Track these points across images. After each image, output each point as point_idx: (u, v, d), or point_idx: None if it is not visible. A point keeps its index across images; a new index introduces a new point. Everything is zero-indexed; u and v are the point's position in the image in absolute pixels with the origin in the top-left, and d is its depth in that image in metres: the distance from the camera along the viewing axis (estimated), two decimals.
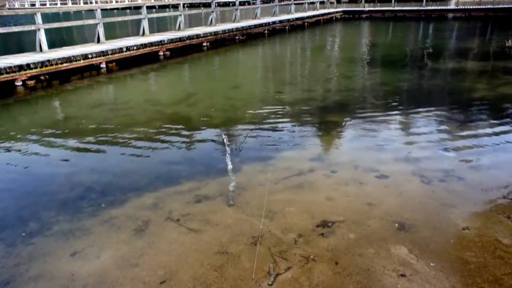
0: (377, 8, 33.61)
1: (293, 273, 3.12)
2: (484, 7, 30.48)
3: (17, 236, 3.74)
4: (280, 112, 7.49)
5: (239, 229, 3.73)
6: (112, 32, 21.85)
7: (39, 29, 12.03)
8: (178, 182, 4.73)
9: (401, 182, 4.61)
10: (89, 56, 11.75)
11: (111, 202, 4.30)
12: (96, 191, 4.57)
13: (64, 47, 13.18)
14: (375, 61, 13.34)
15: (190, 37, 16.04)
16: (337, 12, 31.92)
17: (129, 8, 51.55)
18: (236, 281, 3.05)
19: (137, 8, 37.04)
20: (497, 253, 3.32)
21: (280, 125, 6.74)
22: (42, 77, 10.58)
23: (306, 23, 26.25)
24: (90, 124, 7.03)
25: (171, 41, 14.98)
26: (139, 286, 3.06)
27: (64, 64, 11.05)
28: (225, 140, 5.99)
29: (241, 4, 25.51)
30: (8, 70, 9.74)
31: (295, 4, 28.61)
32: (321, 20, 28.57)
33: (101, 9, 14.49)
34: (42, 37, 12.08)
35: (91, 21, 14.30)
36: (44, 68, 10.51)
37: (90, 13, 29.45)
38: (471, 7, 31.01)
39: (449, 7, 32.59)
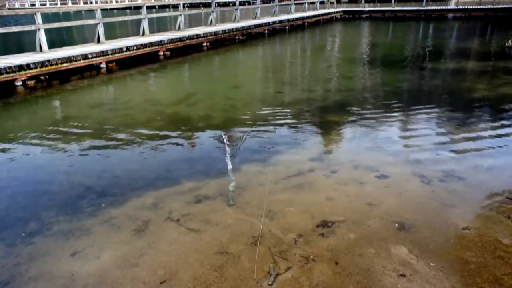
0: (377, 8, 33.61)
1: (293, 273, 3.12)
2: (484, 7, 30.48)
3: (17, 236, 3.74)
4: (280, 112, 7.49)
5: (239, 229, 3.73)
6: (112, 32, 21.86)
7: (39, 29, 12.03)
8: (178, 182, 4.73)
9: (401, 182, 4.61)
10: (89, 56, 11.75)
11: (111, 202, 4.30)
12: (96, 191, 4.57)
13: (64, 47, 13.18)
14: (375, 61, 13.34)
15: (190, 37, 16.04)
16: (337, 12, 31.92)
17: (129, 8, 51.55)
18: (236, 281, 3.05)
19: (137, 8, 37.05)
20: (497, 253, 3.32)
21: (280, 125, 6.74)
22: (42, 77, 10.58)
23: (306, 23, 26.25)
24: (90, 124, 7.03)
25: (171, 41, 14.98)
26: (139, 286, 3.06)
27: (64, 64, 11.06)
28: (225, 140, 5.99)
29: (241, 4, 25.52)
30: (8, 70, 9.75)
31: (295, 4, 28.61)
32: (321, 20, 28.57)
33: (101, 9, 14.49)
34: (42, 37, 12.08)
35: (91, 21, 14.29)
36: (44, 68, 10.51)
37: (90, 13, 29.47)
38: (471, 7, 31.01)
39: (449, 7, 32.59)
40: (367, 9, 33.12)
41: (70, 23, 14.70)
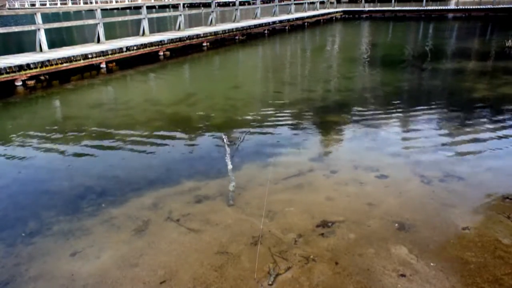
0: (377, 8, 33.61)
1: (293, 273, 3.12)
2: (484, 7, 30.49)
3: (17, 236, 3.74)
4: (280, 112, 7.49)
5: (239, 229, 3.73)
6: (112, 32, 21.86)
7: (39, 29, 12.03)
8: (178, 182, 4.73)
9: (401, 182, 4.61)
10: (89, 56, 11.75)
11: (111, 202, 4.30)
12: (96, 191, 4.57)
13: (64, 47, 13.18)
14: (375, 61, 13.34)
15: (190, 37, 16.04)
16: (337, 12, 31.92)
17: (129, 8, 51.56)
18: (236, 281, 3.05)
19: (137, 8, 37.06)
20: (497, 253, 3.32)
21: (280, 125, 6.74)
22: (42, 77, 10.58)
23: (306, 23, 26.25)
24: (90, 124, 7.03)
25: (171, 41, 14.98)
26: (139, 286, 3.06)
27: (64, 64, 11.06)
28: (225, 140, 5.99)
29: (241, 4, 25.51)
30: (8, 70, 9.74)
31: (295, 4, 28.62)
32: (321, 20, 28.57)
33: (101, 9, 14.49)
34: (42, 37, 12.08)
35: (91, 21, 14.29)
36: (44, 68, 10.51)
37: (90, 13, 29.46)
38: (471, 7, 31.02)
39: (449, 7, 32.59)
40: (367, 9, 33.12)
41: (70, 23, 14.71)
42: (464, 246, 3.42)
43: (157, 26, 25.66)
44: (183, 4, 19.36)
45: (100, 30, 13.89)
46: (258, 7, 24.29)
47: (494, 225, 3.72)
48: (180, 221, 3.89)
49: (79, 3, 58.94)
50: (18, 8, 54.69)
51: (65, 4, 58.85)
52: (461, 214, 3.91)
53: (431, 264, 3.20)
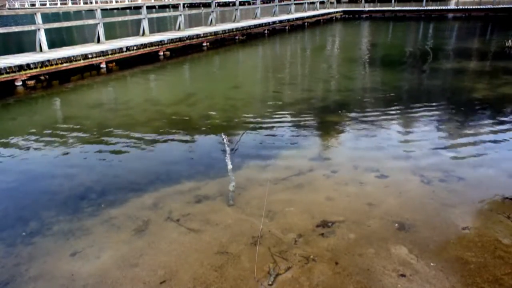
0: (377, 8, 33.61)
1: (293, 273, 3.12)
2: (484, 7, 30.49)
3: (17, 236, 3.74)
4: (280, 112, 7.49)
5: (239, 229, 3.73)
6: (112, 32, 21.86)
7: (39, 29, 12.03)
8: (178, 182, 4.73)
9: (401, 182, 4.61)
10: (89, 56, 11.75)
11: (111, 202, 4.30)
12: (96, 191, 4.57)
13: (64, 47, 13.18)
14: (375, 61, 13.34)
15: (190, 37, 16.04)
16: (337, 12, 31.92)
17: (129, 8, 51.56)
18: (236, 281, 3.05)
19: (137, 8, 37.06)
20: (497, 253, 3.32)
21: (280, 125, 6.74)
22: (42, 77, 10.58)
23: (306, 23, 26.25)
24: (90, 124, 7.03)
25: (171, 41, 14.98)
26: (139, 286, 3.06)
27: (64, 64, 11.06)
28: (225, 140, 5.99)
29: (241, 4, 25.52)
30: (8, 70, 9.74)
31: (295, 4, 28.62)
32: (321, 20, 28.57)
33: (101, 9, 14.49)
34: (42, 37, 12.08)
35: (91, 21, 14.29)
36: (44, 68, 10.51)
37: (90, 13, 29.47)
38: (471, 7, 31.01)
39: (449, 7, 32.59)
40: (367, 9, 33.12)
41: (70, 23, 14.70)
42: (464, 246, 3.42)
43: (157, 26, 25.67)
44: (183, 4, 19.36)
45: (100, 30, 13.89)
46: (258, 7, 24.30)
47: (494, 225, 3.72)
48: (180, 221, 3.89)
49: (79, 3, 58.94)
50: (18, 8, 54.70)
51: (65, 4, 58.86)
52: (461, 214, 3.91)
53: (431, 264, 3.20)
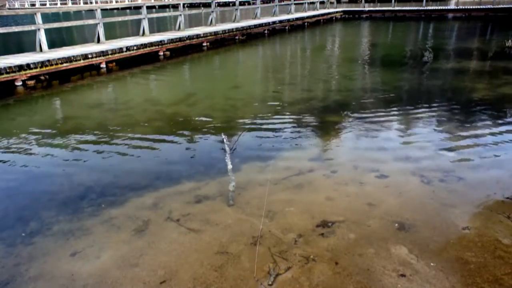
0: (377, 8, 33.61)
1: (293, 273, 3.12)
2: (484, 7, 30.48)
3: (17, 236, 3.74)
4: (280, 112, 7.49)
5: (239, 229, 3.73)
6: (112, 32, 21.86)
7: (39, 29, 12.03)
8: (178, 182, 4.73)
9: (401, 182, 4.61)
10: (89, 56, 11.75)
11: (111, 202, 4.30)
12: (96, 191, 4.57)
13: (64, 47, 13.18)
14: (375, 61, 13.34)
15: (190, 37, 16.04)
16: (337, 12, 31.92)
17: (129, 8, 51.56)
18: (236, 281, 3.05)
19: (137, 8, 37.06)
20: (497, 253, 3.32)
21: (280, 125, 6.74)
22: (42, 77, 10.58)
23: (306, 23, 26.25)
24: (90, 124, 7.03)
25: (171, 41, 14.98)
26: (139, 286, 3.06)
27: (64, 64, 11.05)
28: (225, 140, 5.99)
29: (241, 4, 25.52)
30: (8, 70, 9.74)
31: (295, 4, 28.61)
32: (321, 20, 28.57)
33: (101, 9, 14.49)
34: (42, 37, 12.08)
35: (91, 21, 14.29)
36: (44, 68, 10.51)
37: (90, 13, 29.47)
38: (471, 7, 31.01)
39: (449, 7, 32.59)
40: (367, 9, 33.12)
41: (70, 23, 14.70)
42: (464, 246, 3.42)
43: (157, 26, 25.67)
44: (183, 4, 19.36)
45: (100, 30, 13.89)
46: (258, 7, 24.29)
47: (494, 225, 3.72)
48: (180, 221, 3.89)
49: (79, 3, 58.93)
50: (18, 8, 54.70)
51: (65, 4, 58.86)
52: (461, 214, 3.91)
53: (431, 264, 3.20)
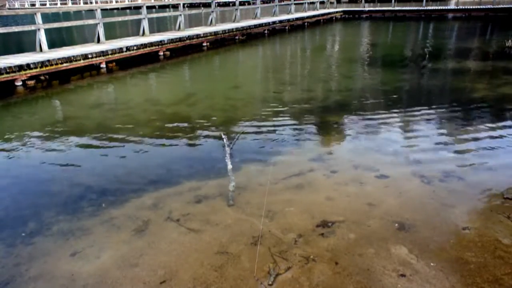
0: (377, 8, 33.61)
1: (293, 273, 3.12)
2: (484, 7, 30.48)
3: (17, 236, 3.74)
4: (280, 112, 7.49)
5: (239, 229, 3.73)
6: (112, 32, 21.86)
7: (39, 29, 12.03)
8: (178, 182, 4.73)
9: (401, 182, 4.61)
10: (89, 56, 11.75)
11: (111, 202, 4.30)
12: (96, 191, 4.57)
13: (64, 47, 13.18)
14: (375, 61, 13.34)
15: (190, 37, 16.04)
16: (337, 12, 31.92)
17: (129, 8, 51.55)
18: (236, 281, 3.05)
19: (137, 8, 37.05)
20: (497, 253, 3.32)
21: (280, 125, 6.74)
22: (42, 77, 10.58)
23: (306, 23, 26.25)
24: (90, 124, 7.03)
25: (171, 41, 14.98)
26: (139, 286, 3.06)
27: (64, 64, 11.06)
28: (225, 140, 5.98)
29: (241, 4, 25.51)
30: (8, 70, 9.75)
31: (295, 4, 28.62)
32: (321, 20, 28.57)
33: (101, 9, 14.49)
34: (42, 37, 12.08)
35: (91, 21, 14.29)
36: (44, 68, 10.51)
37: (90, 13, 29.46)
38: (471, 7, 31.02)
39: (449, 7, 32.59)
40: (367, 9, 33.12)
41: (70, 23, 14.70)
42: (464, 246, 3.42)
43: (157, 26, 25.67)
44: (183, 4, 19.36)
45: (100, 30, 13.89)
46: (258, 7, 24.29)
47: (494, 225, 3.72)
48: (180, 221, 3.89)
49: (79, 3, 58.93)
50: (18, 8, 54.69)
51: (65, 4, 58.85)
52: (461, 214, 3.91)
53: (431, 264, 3.20)
